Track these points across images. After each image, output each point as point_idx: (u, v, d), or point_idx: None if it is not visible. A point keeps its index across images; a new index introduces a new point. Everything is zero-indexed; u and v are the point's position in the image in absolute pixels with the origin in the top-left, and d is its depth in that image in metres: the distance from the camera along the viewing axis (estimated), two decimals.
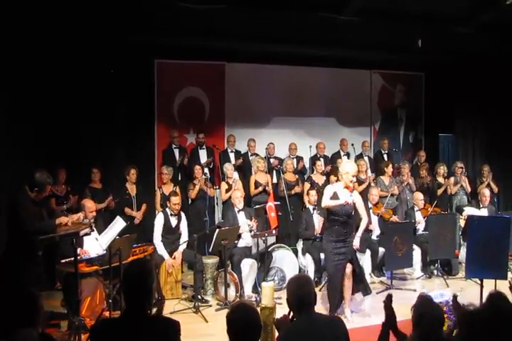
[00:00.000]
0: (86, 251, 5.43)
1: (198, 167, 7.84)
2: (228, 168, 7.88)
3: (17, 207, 4.59)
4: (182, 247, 6.56)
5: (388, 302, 3.29)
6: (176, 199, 6.60)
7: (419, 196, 7.84)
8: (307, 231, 7.14)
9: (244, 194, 7.27)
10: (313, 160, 8.72)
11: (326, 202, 5.47)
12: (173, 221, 6.63)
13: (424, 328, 2.82)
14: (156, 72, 8.87)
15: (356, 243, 5.57)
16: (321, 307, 5.55)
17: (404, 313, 3.32)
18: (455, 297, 3.67)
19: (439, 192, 8.50)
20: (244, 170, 8.50)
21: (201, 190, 7.76)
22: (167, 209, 6.66)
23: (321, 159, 8.72)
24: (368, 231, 6.95)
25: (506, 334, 1.97)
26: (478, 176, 8.96)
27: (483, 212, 7.67)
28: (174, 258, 6.44)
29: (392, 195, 8.14)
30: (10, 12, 5.96)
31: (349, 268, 5.50)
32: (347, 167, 5.52)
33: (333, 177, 8.30)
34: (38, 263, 4.75)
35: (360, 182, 8.28)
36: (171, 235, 6.60)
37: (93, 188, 7.32)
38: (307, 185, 8.05)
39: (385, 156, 9.38)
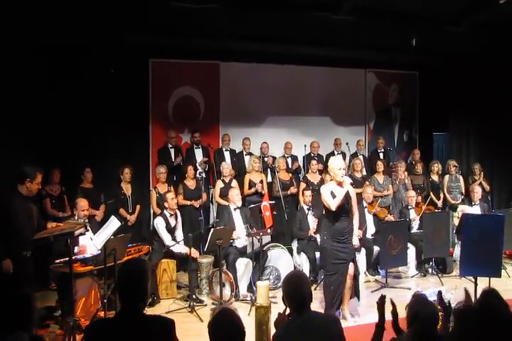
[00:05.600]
0: (84, 248, 5.44)
1: (190, 167, 7.81)
2: (225, 167, 7.88)
3: (8, 211, 4.53)
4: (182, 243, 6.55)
5: (381, 303, 3.28)
6: (171, 194, 6.63)
7: (411, 193, 7.88)
8: (301, 232, 7.13)
9: (240, 192, 7.26)
10: (308, 159, 8.72)
11: (334, 203, 5.21)
12: (172, 221, 6.61)
13: (419, 326, 2.83)
14: (150, 71, 8.85)
15: (356, 242, 5.55)
16: (317, 306, 5.54)
17: (398, 311, 3.32)
18: (440, 293, 3.67)
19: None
20: (238, 169, 8.48)
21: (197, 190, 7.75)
22: (165, 211, 6.63)
23: (315, 158, 8.70)
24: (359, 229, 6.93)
25: (497, 330, 1.98)
26: (470, 174, 9.00)
27: (476, 209, 7.69)
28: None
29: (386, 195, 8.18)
30: (8, 12, 5.95)
31: (351, 268, 5.41)
32: (333, 163, 5.41)
33: (327, 177, 8.30)
34: (29, 263, 4.72)
35: (355, 180, 8.29)
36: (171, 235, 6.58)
37: (84, 188, 7.30)
38: (303, 185, 8.04)
39: (381, 155, 9.39)
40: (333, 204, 5.22)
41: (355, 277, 5.54)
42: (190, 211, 7.69)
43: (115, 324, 2.62)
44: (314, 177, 8.24)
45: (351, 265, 5.41)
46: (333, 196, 5.27)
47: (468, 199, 8.12)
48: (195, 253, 6.37)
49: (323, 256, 5.66)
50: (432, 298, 4.37)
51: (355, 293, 5.64)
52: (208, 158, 8.48)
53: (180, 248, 6.43)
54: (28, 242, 4.55)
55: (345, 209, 5.34)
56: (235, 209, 6.84)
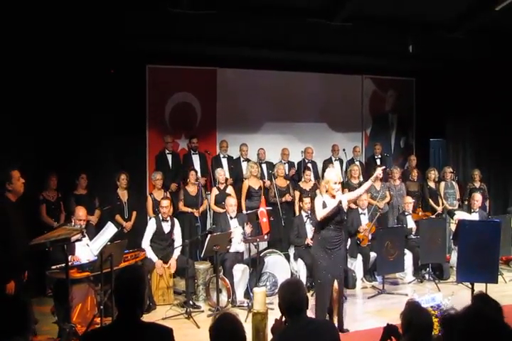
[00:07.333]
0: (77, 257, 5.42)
1: (192, 172, 7.78)
2: (220, 173, 7.84)
3: (5, 222, 4.49)
4: (176, 254, 6.52)
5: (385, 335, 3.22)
6: (165, 203, 6.62)
7: (408, 199, 7.89)
8: (299, 239, 7.10)
9: (237, 201, 7.25)
10: (302, 165, 8.69)
11: (322, 213, 5.17)
12: (166, 227, 6.61)
13: (413, 334, 2.82)
14: (147, 77, 8.86)
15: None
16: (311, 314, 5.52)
17: (396, 318, 3.32)
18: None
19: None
20: (236, 175, 8.47)
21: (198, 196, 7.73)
22: (159, 215, 6.65)
23: (309, 165, 8.63)
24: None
25: (486, 336, 1.97)
26: (469, 181, 9.02)
27: (474, 217, 7.65)
28: (169, 265, 6.41)
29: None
30: (5, 18, 5.97)
31: (336, 285, 5.30)
32: (328, 176, 5.35)
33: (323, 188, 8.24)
34: (25, 270, 4.69)
35: (352, 187, 8.27)
36: (163, 241, 6.58)
37: (78, 195, 7.26)
38: (298, 193, 7.99)
39: (378, 161, 9.38)
40: (319, 214, 5.18)
41: (340, 302, 5.37)
42: (190, 217, 7.68)
43: (111, 332, 2.60)
44: (306, 185, 8.15)
45: (336, 283, 5.27)
46: (324, 207, 5.21)
47: (467, 206, 8.11)
48: (159, 268, 6.33)
49: (314, 265, 5.52)
50: (429, 304, 4.38)
51: (339, 323, 5.30)
52: (206, 179, 8.42)
53: (150, 254, 6.40)
54: (25, 250, 4.51)
55: (334, 220, 5.23)
56: (231, 217, 6.83)
